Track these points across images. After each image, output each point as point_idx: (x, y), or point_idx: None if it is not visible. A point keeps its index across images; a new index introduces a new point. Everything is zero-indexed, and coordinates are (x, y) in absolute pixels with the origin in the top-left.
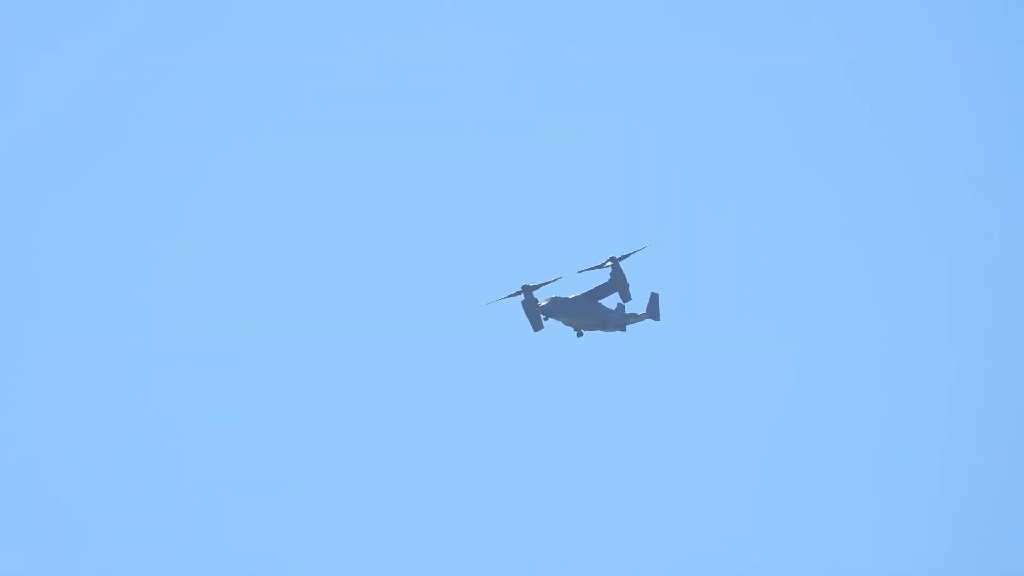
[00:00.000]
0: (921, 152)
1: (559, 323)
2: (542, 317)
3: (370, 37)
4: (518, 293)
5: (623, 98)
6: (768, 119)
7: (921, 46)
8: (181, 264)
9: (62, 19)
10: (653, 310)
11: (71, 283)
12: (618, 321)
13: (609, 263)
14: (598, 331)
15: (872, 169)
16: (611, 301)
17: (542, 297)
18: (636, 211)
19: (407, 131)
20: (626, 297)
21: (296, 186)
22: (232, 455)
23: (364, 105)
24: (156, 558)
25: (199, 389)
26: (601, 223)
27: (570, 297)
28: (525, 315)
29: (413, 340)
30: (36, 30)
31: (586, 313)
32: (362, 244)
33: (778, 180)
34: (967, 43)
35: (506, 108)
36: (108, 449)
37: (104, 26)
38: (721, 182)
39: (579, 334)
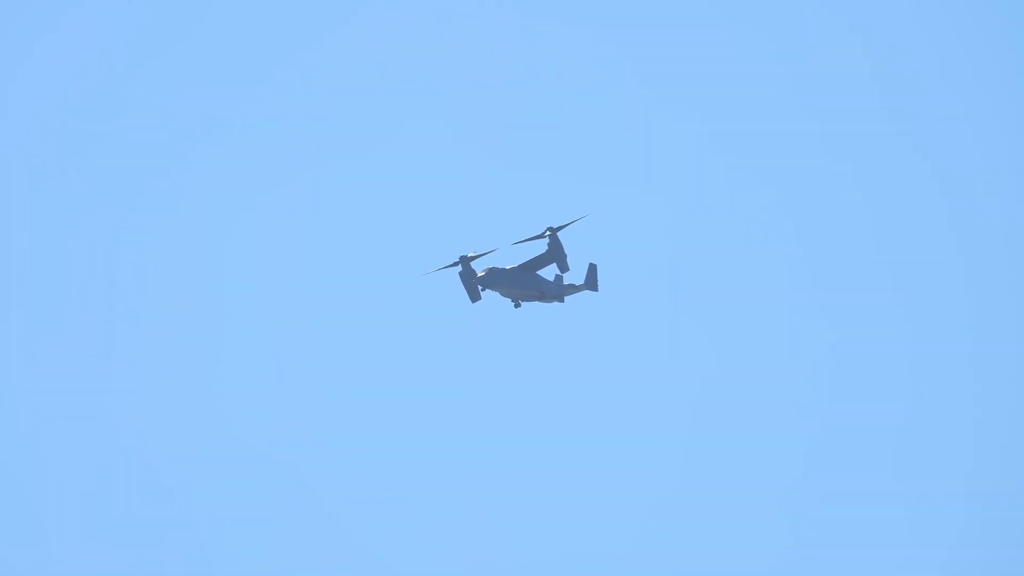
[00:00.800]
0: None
1: (497, 294)
2: (480, 288)
3: (366, 26)
4: (456, 264)
5: (615, 76)
6: (766, 105)
7: (949, 47)
8: (175, 263)
9: (51, 10)
10: (591, 281)
11: (59, 282)
12: (556, 292)
13: (547, 233)
14: (536, 302)
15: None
16: (550, 272)
17: (480, 268)
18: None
19: (403, 119)
20: (564, 268)
21: (284, 181)
22: (218, 456)
23: (357, 97)
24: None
25: (191, 388)
26: (583, 201)
27: (508, 268)
28: (463, 286)
29: (357, 320)
30: (27, 23)
31: (524, 284)
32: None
33: (751, 157)
34: (995, 44)
35: (504, 92)
36: (91, 449)
37: (98, 19)
38: (693, 158)
39: (517, 305)
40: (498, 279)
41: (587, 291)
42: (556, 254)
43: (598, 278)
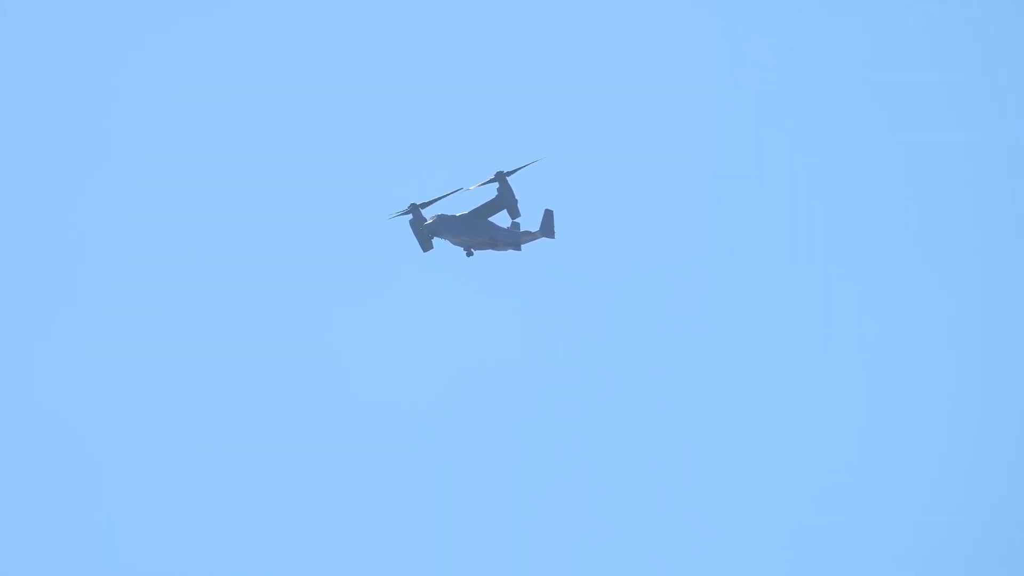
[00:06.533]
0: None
1: (447, 242)
2: (430, 236)
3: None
4: (407, 212)
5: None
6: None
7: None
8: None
9: None
10: (547, 228)
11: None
12: (510, 239)
13: (496, 178)
14: (489, 250)
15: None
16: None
17: (431, 215)
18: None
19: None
20: (514, 214)
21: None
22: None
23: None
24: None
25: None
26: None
27: (457, 215)
28: (414, 234)
29: (300, 267)
30: None
31: (474, 231)
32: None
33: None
34: None
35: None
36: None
37: None
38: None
39: (469, 253)
40: (447, 226)
41: (543, 238)
42: (506, 199)
43: (554, 225)
